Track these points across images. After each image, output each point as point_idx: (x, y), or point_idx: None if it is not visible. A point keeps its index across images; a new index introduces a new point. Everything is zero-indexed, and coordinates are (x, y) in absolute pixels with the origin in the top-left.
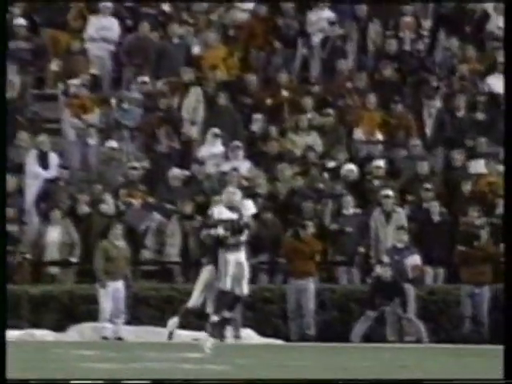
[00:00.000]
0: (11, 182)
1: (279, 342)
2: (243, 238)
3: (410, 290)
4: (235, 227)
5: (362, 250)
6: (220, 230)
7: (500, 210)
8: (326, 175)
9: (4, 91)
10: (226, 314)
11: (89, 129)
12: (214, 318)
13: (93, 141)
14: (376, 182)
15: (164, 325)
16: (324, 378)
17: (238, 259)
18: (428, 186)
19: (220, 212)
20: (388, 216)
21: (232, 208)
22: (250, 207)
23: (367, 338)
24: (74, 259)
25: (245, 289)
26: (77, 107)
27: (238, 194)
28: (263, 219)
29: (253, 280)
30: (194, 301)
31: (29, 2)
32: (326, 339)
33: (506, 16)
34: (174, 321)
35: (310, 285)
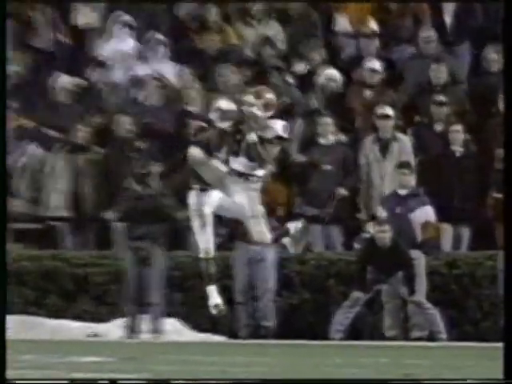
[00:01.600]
0: None
1: (221, 338)
2: (261, 172)
3: (420, 260)
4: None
5: (345, 196)
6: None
7: None
8: (292, 84)
9: (5, 87)
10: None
11: None
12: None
13: None
14: (368, 95)
15: (45, 313)
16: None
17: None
18: (445, 100)
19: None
20: (386, 146)
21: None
22: (277, 127)
23: (354, 332)
24: None
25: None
26: None
27: (269, 94)
28: None
29: (183, 246)
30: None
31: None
32: (292, 335)
33: (505, 16)
34: (211, 288)
35: (269, 252)
